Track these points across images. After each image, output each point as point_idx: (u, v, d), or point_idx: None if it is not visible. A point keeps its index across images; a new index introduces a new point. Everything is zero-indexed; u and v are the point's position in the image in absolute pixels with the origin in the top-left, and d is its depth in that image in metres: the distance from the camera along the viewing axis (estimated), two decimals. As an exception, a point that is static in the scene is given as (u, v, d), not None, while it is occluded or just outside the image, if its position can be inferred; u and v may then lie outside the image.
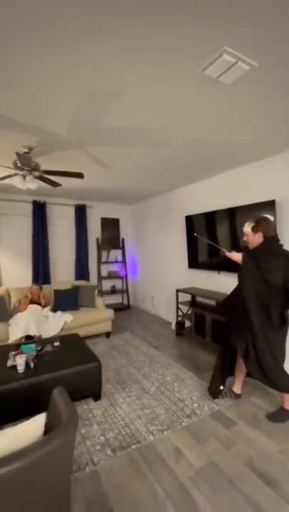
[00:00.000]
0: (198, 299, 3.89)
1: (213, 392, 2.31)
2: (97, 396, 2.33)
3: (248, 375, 2.24)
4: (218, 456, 1.72)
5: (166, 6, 1.08)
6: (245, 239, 2.08)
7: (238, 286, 2.18)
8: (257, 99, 1.77)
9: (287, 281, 1.85)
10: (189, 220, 4.02)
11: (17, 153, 2.16)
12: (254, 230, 2.00)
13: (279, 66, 1.44)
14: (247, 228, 2.04)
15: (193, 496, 1.46)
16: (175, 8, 1.09)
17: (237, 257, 2.02)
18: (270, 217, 2.72)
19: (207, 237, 3.71)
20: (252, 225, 2.01)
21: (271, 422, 2.02)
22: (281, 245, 2.01)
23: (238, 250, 2.12)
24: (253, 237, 2.02)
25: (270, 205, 2.76)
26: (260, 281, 1.89)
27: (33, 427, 1.11)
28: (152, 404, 2.26)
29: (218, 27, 1.18)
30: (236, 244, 3.18)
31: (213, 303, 3.56)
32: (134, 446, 1.80)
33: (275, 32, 1.21)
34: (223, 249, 2.14)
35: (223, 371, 2.31)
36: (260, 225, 1.99)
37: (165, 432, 1.93)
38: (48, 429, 1.16)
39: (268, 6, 1.08)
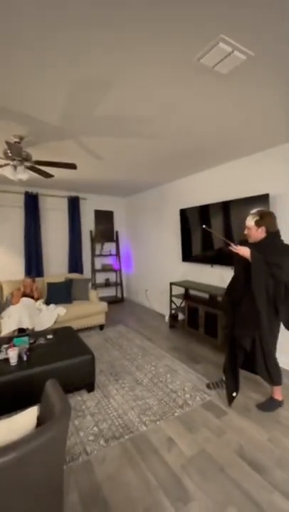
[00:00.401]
0: (192, 291, 3.92)
1: (229, 399, 2.14)
2: (90, 388, 2.35)
3: (245, 368, 2.23)
4: (209, 444, 1.76)
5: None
6: (246, 232, 2.02)
7: (234, 278, 2.18)
8: (252, 91, 1.75)
9: None
10: (183, 213, 4.01)
11: (7, 143, 2.10)
12: (258, 224, 1.94)
13: (275, 56, 1.41)
14: (250, 222, 1.97)
15: (185, 483, 1.49)
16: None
17: (245, 251, 1.93)
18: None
19: (200, 230, 3.72)
20: (256, 218, 1.95)
21: (261, 412, 2.07)
22: (282, 241, 1.97)
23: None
24: (255, 232, 1.96)
25: (264, 199, 2.77)
26: (269, 276, 1.86)
27: (25, 419, 1.11)
28: (145, 396, 2.29)
29: (214, 14, 1.15)
30: (230, 238, 3.19)
31: (206, 296, 3.59)
32: (127, 437, 1.82)
33: (271, 20, 1.19)
34: (230, 243, 2.04)
35: (235, 374, 2.14)
36: (264, 219, 1.93)
37: (158, 422, 1.96)
38: (41, 421, 1.16)
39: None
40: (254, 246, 1.97)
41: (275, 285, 1.88)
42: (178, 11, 1.14)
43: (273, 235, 1.96)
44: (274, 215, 2.00)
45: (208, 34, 1.26)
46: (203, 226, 3.40)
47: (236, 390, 2.13)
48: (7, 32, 1.23)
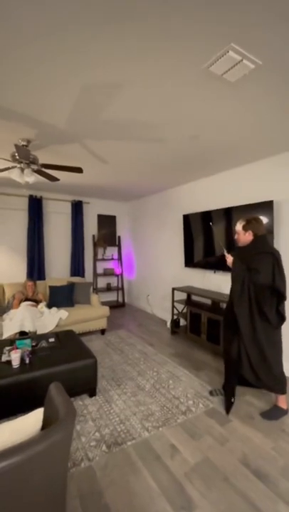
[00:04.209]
0: (194, 297, 3.91)
1: (227, 407, 2.13)
2: (92, 392, 2.32)
3: (242, 383, 2.28)
4: (212, 452, 1.74)
5: (172, 1, 1.07)
6: (236, 237, 2.19)
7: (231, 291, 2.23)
8: (258, 99, 1.77)
9: (275, 280, 1.89)
10: (186, 218, 4.03)
11: (16, 146, 2.12)
12: (244, 228, 2.10)
13: (283, 65, 1.44)
14: (238, 227, 2.14)
15: (188, 491, 1.46)
16: (183, 3, 1.08)
17: (229, 260, 2.13)
18: (265, 218, 2.77)
19: (203, 236, 3.73)
20: (243, 223, 2.11)
21: (265, 420, 2.04)
22: (268, 243, 2.10)
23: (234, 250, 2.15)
24: (243, 236, 2.11)
25: (268, 206, 2.78)
26: (251, 283, 1.94)
27: (31, 422, 1.10)
28: (147, 401, 2.26)
29: (225, 23, 1.17)
30: (232, 244, 3.20)
31: (208, 302, 3.58)
32: (129, 443, 1.80)
33: (281, 30, 1.21)
34: (224, 249, 2.21)
35: (231, 382, 2.16)
36: (250, 223, 2.08)
37: (160, 429, 1.94)
38: (45, 424, 1.15)
39: (277, 3, 1.08)
40: (243, 249, 2.14)
41: (262, 291, 1.93)
42: (191, 20, 1.16)
43: (260, 238, 2.08)
44: (260, 219, 2.14)
45: (219, 42, 1.28)
46: (210, 223, 3.48)
47: (233, 395, 2.17)
48: (18, 36, 1.26)
